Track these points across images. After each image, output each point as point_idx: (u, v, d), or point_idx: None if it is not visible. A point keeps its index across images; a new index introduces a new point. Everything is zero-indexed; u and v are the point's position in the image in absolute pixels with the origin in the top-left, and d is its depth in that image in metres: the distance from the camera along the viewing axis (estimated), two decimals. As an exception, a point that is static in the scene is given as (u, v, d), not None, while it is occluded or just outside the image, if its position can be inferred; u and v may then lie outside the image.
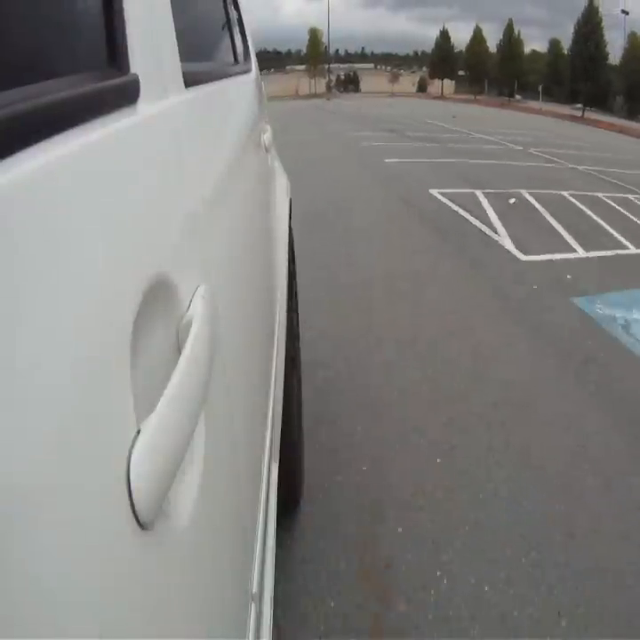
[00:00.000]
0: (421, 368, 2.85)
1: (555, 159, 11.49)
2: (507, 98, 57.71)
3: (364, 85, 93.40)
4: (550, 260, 4.63)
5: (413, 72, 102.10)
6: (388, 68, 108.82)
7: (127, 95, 0.49)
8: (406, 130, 16.00)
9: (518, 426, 2.42)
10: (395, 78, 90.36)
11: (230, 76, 1.28)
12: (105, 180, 0.42)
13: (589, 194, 7.45)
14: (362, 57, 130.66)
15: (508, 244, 4.99)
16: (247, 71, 1.62)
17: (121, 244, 0.41)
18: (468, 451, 2.24)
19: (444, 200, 6.56)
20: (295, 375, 1.82)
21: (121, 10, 0.49)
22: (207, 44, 1.25)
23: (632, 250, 5.09)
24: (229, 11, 1.59)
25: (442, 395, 2.63)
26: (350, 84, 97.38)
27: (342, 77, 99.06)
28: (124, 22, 0.50)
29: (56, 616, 0.28)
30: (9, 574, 0.25)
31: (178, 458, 0.43)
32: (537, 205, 6.47)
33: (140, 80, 0.51)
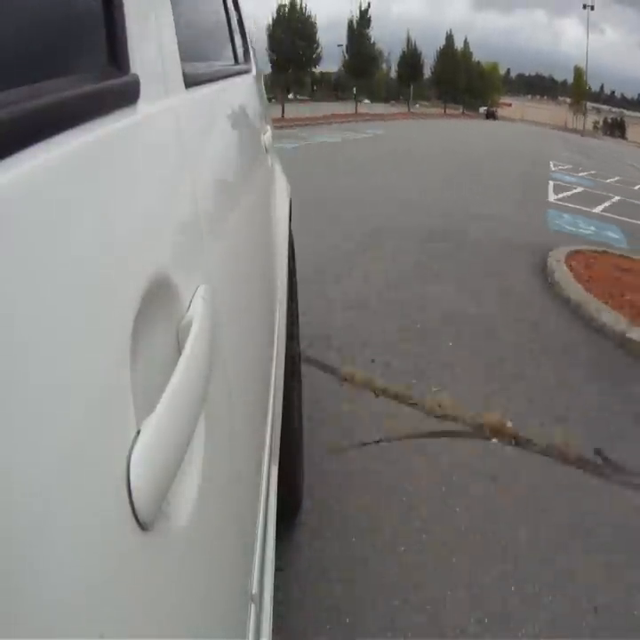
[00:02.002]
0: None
1: None
2: None
3: (631, 134, 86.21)
4: None
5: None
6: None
7: (127, 95, 0.49)
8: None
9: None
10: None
11: (230, 76, 1.28)
12: (105, 180, 0.42)
13: None
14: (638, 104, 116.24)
15: None
16: (247, 71, 1.62)
17: (121, 244, 0.41)
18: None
19: None
20: (295, 375, 1.82)
21: (121, 10, 0.49)
22: (207, 44, 1.25)
23: None
24: (229, 11, 1.59)
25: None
26: (616, 128, 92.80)
27: (609, 121, 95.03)
28: (124, 22, 0.50)
29: (56, 616, 0.28)
30: (9, 574, 0.25)
31: (178, 458, 0.43)
32: None
33: (140, 80, 0.51)
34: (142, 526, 0.36)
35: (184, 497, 0.45)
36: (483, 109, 68.28)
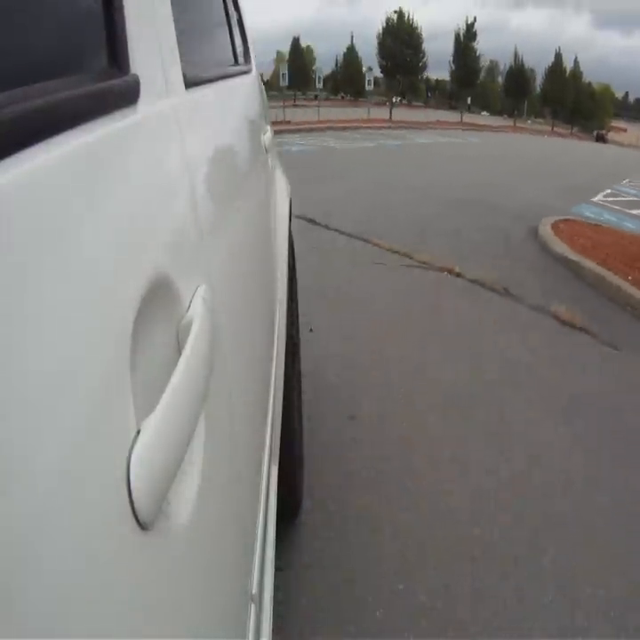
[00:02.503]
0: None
1: None
2: None
3: None
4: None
5: None
6: None
7: (127, 95, 0.49)
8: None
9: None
10: None
11: (230, 76, 1.28)
12: (105, 180, 0.42)
13: None
14: None
15: None
16: (247, 72, 1.62)
17: (121, 244, 0.41)
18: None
19: None
20: (295, 375, 1.82)
21: (121, 10, 0.49)
22: (207, 45, 1.25)
23: None
24: (229, 11, 1.59)
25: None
26: None
27: None
28: (124, 22, 0.50)
29: (56, 616, 0.28)
30: (9, 574, 0.25)
31: (178, 458, 0.43)
32: None
33: (140, 80, 0.51)
34: (142, 526, 0.36)
35: (184, 497, 0.45)
36: (595, 132, 66.90)
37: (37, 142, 0.33)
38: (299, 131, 19.28)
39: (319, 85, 37.79)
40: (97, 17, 0.48)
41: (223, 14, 1.50)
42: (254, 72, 1.75)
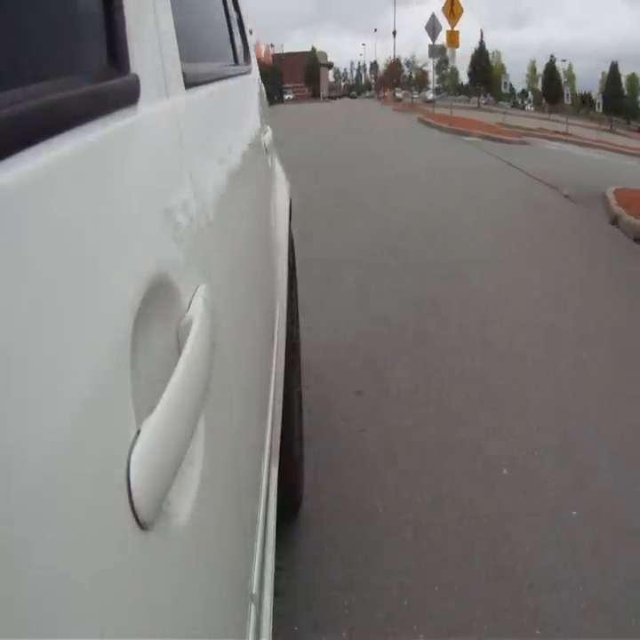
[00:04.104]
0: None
1: None
2: None
3: None
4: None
5: None
6: None
7: (127, 95, 0.49)
8: None
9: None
10: None
11: (230, 76, 1.28)
12: (105, 180, 0.42)
13: None
14: None
15: None
16: (247, 72, 1.62)
17: (121, 243, 0.41)
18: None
19: None
20: (295, 375, 1.82)
21: (121, 10, 0.49)
22: (207, 45, 1.25)
23: None
24: (229, 11, 1.59)
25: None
26: None
27: None
28: (124, 22, 0.50)
29: (56, 616, 0.28)
30: (9, 574, 0.25)
31: (178, 458, 0.43)
32: None
33: (140, 80, 0.51)
34: (142, 526, 0.36)
35: (184, 496, 0.45)
36: None
37: (37, 142, 0.33)
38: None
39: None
40: (97, 17, 0.48)
41: (223, 14, 1.50)
42: (254, 72, 1.75)
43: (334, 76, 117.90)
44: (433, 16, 19.17)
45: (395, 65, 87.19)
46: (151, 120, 0.55)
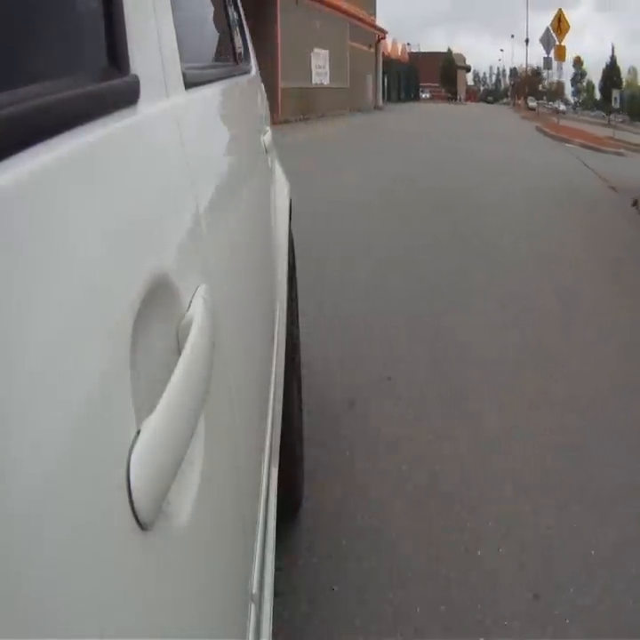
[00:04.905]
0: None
1: None
2: None
3: None
4: None
5: None
6: None
7: (127, 95, 0.49)
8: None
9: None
10: None
11: (230, 76, 1.28)
12: (105, 181, 0.42)
13: None
14: None
15: None
16: (247, 72, 1.62)
17: (121, 244, 0.41)
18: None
19: None
20: (295, 376, 1.82)
21: (121, 10, 0.49)
22: (207, 45, 1.25)
23: None
24: (229, 11, 1.59)
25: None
26: None
27: None
28: (124, 22, 0.50)
29: (56, 616, 0.28)
30: (9, 574, 0.25)
31: (178, 458, 0.43)
32: None
33: (140, 80, 0.51)
34: (142, 526, 0.36)
35: (184, 496, 0.45)
36: None
37: (37, 142, 0.33)
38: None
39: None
40: (97, 17, 0.48)
41: (223, 14, 1.50)
42: (254, 72, 1.75)
43: (474, 80, 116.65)
44: (547, 30, 19.47)
45: (529, 74, 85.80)
46: (151, 120, 0.55)
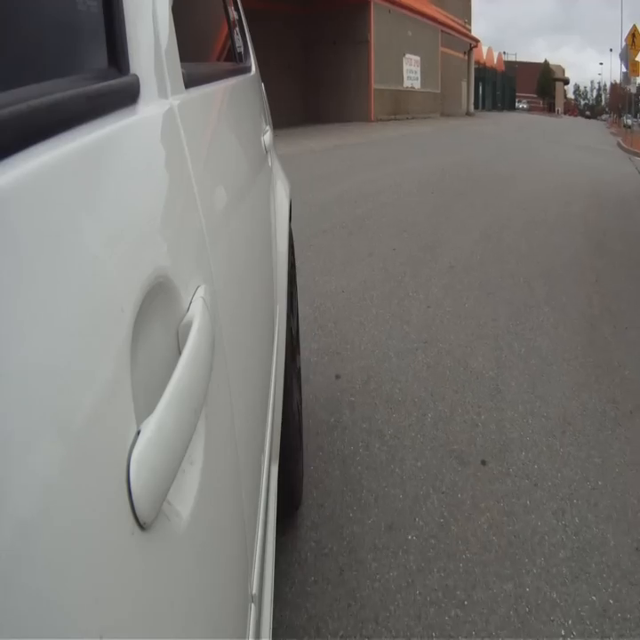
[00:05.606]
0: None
1: None
2: None
3: None
4: None
5: None
6: None
7: (127, 95, 0.49)
8: None
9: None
10: None
11: (230, 76, 1.28)
12: (105, 181, 0.42)
13: None
14: None
15: None
16: (247, 71, 1.62)
17: (121, 244, 0.41)
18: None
19: None
20: (294, 376, 1.82)
21: (121, 10, 0.49)
22: (207, 44, 1.25)
23: None
24: (229, 11, 1.59)
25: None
26: None
27: None
28: (124, 22, 0.50)
29: (56, 616, 0.28)
30: (9, 574, 0.25)
31: (178, 458, 0.43)
32: None
33: (140, 80, 0.51)
34: (142, 526, 0.36)
35: (184, 496, 0.45)
36: None
37: (37, 142, 0.33)
38: None
39: None
40: (97, 17, 0.48)
41: (223, 14, 1.50)
42: (254, 71, 1.75)
43: (575, 94, 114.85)
44: (626, 46, 19.28)
45: (617, 88, 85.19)
46: (151, 120, 0.55)
